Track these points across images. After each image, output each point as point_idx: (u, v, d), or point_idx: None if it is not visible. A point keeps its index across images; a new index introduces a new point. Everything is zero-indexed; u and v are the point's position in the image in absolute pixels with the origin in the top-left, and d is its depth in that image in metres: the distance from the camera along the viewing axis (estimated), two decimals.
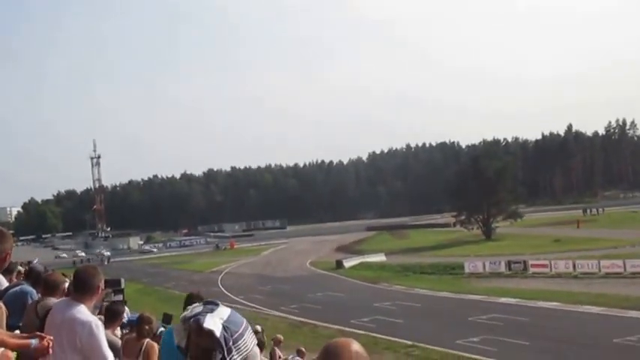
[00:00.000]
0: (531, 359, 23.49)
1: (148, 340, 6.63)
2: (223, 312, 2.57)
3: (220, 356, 2.46)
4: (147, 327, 6.78)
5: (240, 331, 2.54)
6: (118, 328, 7.65)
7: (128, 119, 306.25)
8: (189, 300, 5.45)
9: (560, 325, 29.82)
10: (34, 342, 3.92)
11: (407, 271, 58.98)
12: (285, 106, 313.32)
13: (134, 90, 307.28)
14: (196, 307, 2.58)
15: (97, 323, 4.41)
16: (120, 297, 8.36)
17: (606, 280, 42.19)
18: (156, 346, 6.50)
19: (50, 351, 3.95)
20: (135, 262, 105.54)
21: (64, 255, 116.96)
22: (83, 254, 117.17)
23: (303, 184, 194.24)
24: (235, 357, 2.50)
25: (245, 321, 2.61)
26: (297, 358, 15.16)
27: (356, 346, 2.24)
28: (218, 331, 2.47)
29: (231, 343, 2.49)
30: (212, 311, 2.54)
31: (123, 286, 8.57)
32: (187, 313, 2.56)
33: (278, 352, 17.85)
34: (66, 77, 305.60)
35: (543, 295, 38.31)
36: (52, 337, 3.99)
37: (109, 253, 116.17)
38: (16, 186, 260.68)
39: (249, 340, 2.58)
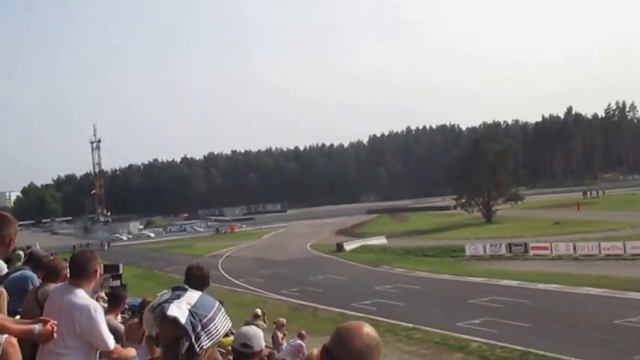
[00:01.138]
0: (532, 341, 23.37)
1: None
2: (191, 297, 2.56)
3: (187, 343, 2.45)
4: None
5: (210, 315, 2.53)
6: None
7: (129, 103, 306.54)
8: (189, 273, 5.45)
9: (561, 306, 29.89)
10: (37, 327, 3.90)
11: (408, 253, 59.02)
12: (286, 89, 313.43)
13: (136, 74, 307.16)
14: (164, 295, 2.58)
15: (95, 307, 4.38)
16: (118, 282, 8.35)
17: (606, 262, 42.27)
18: None
19: (55, 335, 3.93)
20: (135, 246, 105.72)
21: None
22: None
23: (304, 168, 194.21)
24: (204, 343, 2.49)
25: (217, 304, 2.61)
26: (298, 341, 15.15)
27: (368, 329, 2.24)
28: (183, 318, 2.46)
29: (199, 328, 2.48)
30: (179, 297, 2.54)
31: (121, 271, 8.57)
32: (155, 301, 2.57)
33: (280, 334, 17.89)
34: (67, 61, 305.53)
35: (544, 278, 38.38)
36: (55, 322, 3.97)
37: (129, 235, 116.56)
38: (15, 170, 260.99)
39: (221, 324, 2.57)
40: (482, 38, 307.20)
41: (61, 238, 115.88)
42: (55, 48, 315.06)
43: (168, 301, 2.53)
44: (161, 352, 2.61)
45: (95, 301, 4.55)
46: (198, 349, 2.48)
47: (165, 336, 2.51)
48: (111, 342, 4.42)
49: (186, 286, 2.67)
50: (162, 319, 2.49)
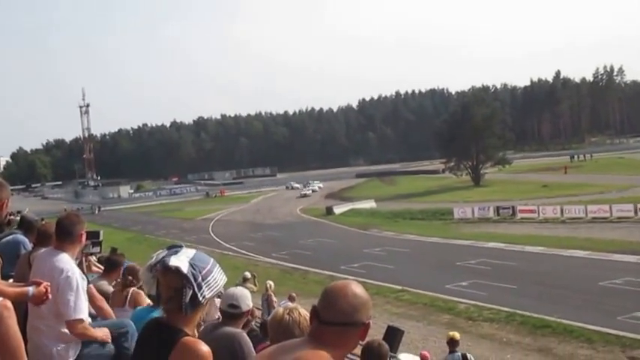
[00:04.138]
0: (518, 302, 23.67)
1: (133, 288, 6.63)
2: (188, 252, 2.64)
3: (191, 292, 2.53)
4: (130, 277, 6.72)
5: (208, 268, 2.62)
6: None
7: (118, 67, 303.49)
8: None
9: (547, 269, 30.14)
10: (31, 290, 3.93)
11: (396, 217, 59.37)
12: (275, 53, 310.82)
13: (124, 37, 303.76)
14: (160, 253, 2.64)
15: (73, 271, 4.38)
16: (98, 249, 8.38)
17: (593, 225, 42.59)
18: (142, 292, 6.41)
19: (49, 296, 3.97)
20: (125, 210, 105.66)
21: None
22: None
23: (294, 132, 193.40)
24: (206, 293, 2.58)
25: (212, 260, 2.68)
26: (289, 303, 15.34)
27: (354, 288, 2.28)
28: (185, 268, 2.54)
29: (200, 279, 2.56)
30: (176, 253, 2.61)
31: (101, 238, 8.56)
32: (152, 260, 2.62)
33: (273, 297, 18.09)
34: (56, 24, 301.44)
35: (531, 240, 38.66)
36: (48, 283, 3.99)
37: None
38: (4, 135, 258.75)
39: (219, 277, 2.65)
40: (473, 5, 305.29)
41: (51, 203, 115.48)
42: (45, 10, 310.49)
43: (167, 256, 2.61)
44: (163, 307, 2.66)
45: (76, 268, 4.53)
46: (201, 298, 2.55)
47: (168, 289, 2.57)
48: (79, 312, 4.34)
49: (181, 244, 2.74)
50: (164, 271, 2.56)
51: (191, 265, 2.57)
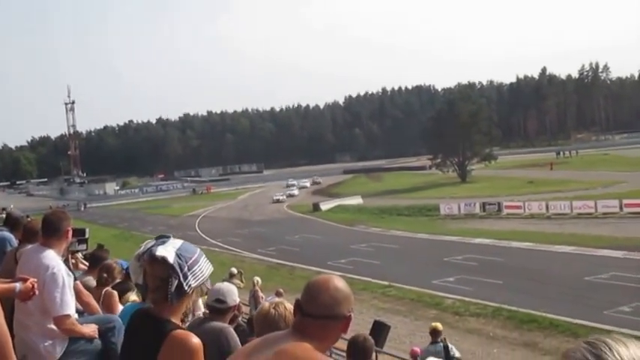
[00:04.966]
0: (505, 297, 23.83)
1: (107, 289, 6.45)
2: (175, 242, 2.69)
3: (177, 282, 2.58)
4: (105, 275, 6.60)
5: (194, 258, 2.67)
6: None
7: (103, 64, 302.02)
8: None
9: (533, 264, 30.30)
10: (18, 286, 3.93)
11: (383, 213, 59.43)
12: (263, 49, 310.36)
13: (110, 34, 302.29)
14: (148, 243, 2.69)
15: (59, 267, 4.40)
16: (84, 246, 8.33)
17: (578, 221, 42.81)
18: (115, 293, 6.36)
19: (36, 292, 3.97)
20: (111, 207, 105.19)
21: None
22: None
23: (280, 129, 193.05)
24: (192, 282, 2.63)
25: (199, 250, 2.74)
26: (276, 298, 15.35)
27: (336, 283, 2.35)
28: (171, 258, 2.59)
29: (186, 269, 2.61)
30: (164, 243, 2.67)
31: (87, 235, 8.53)
32: (140, 249, 2.67)
33: (260, 293, 18.10)
34: (42, 21, 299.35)
35: (517, 236, 38.80)
36: (35, 279, 3.99)
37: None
38: None
39: (205, 267, 2.71)
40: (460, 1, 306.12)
41: (36, 200, 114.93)
42: (30, 7, 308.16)
43: (154, 246, 2.65)
44: (150, 297, 2.70)
45: (62, 264, 4.54)
46: (186, 288, 2.60)
47: (154, 278, 2.61)
48: (65, 308, 4.37)
49: (169, 235, 2.76)
50: (151, 261, 2.60)
51: (177, 255, 2.61)
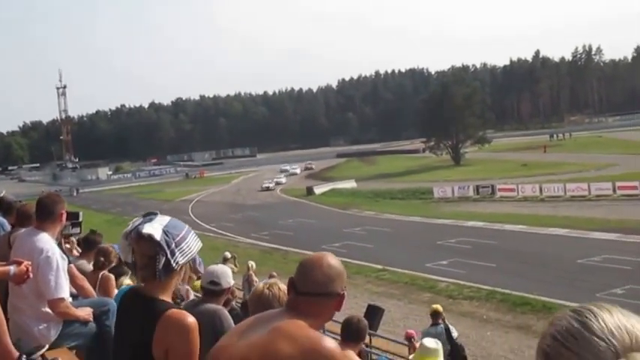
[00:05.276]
0: (498, 280, 23.90)
1: (104, 272, 6.48)
2: (163, 219, 2.71)
3: (164, 259, 2.59)
4: (102, 259, 6.57)
5: (182, 235, 2.68)
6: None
7: (95, 48, 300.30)
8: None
9: (527, 247, 30.37)
10: (12, 269, 3.91)
11: (377, 196, 59.58)
12: (254, 33, 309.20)
13: (101, 18, 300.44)
14: (136, 221, 2.71)
15: (53, 251, 4.40)
16: (77, 230, 8.27)
17: (571, 203, 42.96)
18: (112, 277, 6.41)
19: (30, 275, 3.96)
20: (104, 192, 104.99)
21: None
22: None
23: (273, 112, 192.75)
24: (179, 259, 2.64)
25: (187, 226, 2.75)
26: (270, 280, 15.28)
27: (329, 259, 2.37)
28: (158, 235, 2.59)
29: (173, 245, 2.61)
30: (151, 220, 2.68)
31: (81, 219, 8.51)
32: (127, 228, 2.68)
33: (254, 277, 18.04)
34: (34, 5, 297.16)
35: (510, 219, 38.88)
36: (29, 262, 3.98)
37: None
38: None
39: (193, 243, 2.72)
40: None
41: (28, 186, 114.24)
42: None
43: (141, 223, 2.66)
44: (139, 274, 2.72)
45: (56, 247, 4.53)
46: (174, 265, 2.61)
47: (142, 255, 2.62)
48: (60, 291, 4.38)
49: (157, 211, 2.78)
50: (138, 238, 2.61)
51: (164, 232, 2.62)
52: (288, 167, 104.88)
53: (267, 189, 78.46)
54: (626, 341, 1.07)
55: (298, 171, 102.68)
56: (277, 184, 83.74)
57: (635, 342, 1.07)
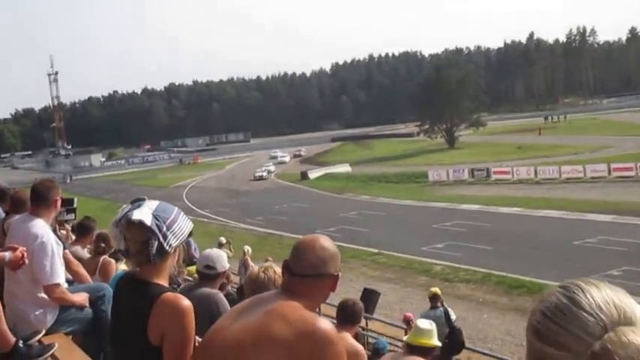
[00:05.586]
0: (494, 263, 24.02)
1: (104, 257, 6.62)
2: (151, 204, 2.72)
3: (157, 243, 2.60)
4: (102, 244, 6.66)
5: (172, 217, 2.69)
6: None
7: (87, 33, 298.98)
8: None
9: (522, 229, 30.48)
10: (7, 254, 3.96)
11: (372, 180, 59.79)
12: (246, 15, 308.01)
13: (93, 2, 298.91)
14: (125, 208, 2.72)
15: (48, 237, 4.42)
16: (72, 216, 8.24)
17: (567, 185, 43.14)
18: (113, 262, 6.54)
19: (26, 261, 4.01)
20: (97, 179, 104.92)
21: None
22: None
23: (267, 97, 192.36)
24: (172, 241, 2.66)
25: (176, 209, 2.77)
26: (265, 263, 15.23)
27: (322, 241, 2.41)
28: (148, 220, 2.61)
29: (164, 229, 2.63)
30: (139, 206, 2.68)
31: (75, 205, 8.49)
32: (117, 216, 2.69)
33: (250, 262, 17.99)
34: None
35: (505, 201, 39.07)
36: (24, 248, 4.04)
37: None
38: None
39: (185, 225, 2.74)
40: None
41: (21, 173, 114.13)
42: None
43: (130, 210, 2.66)
44: (133, 260, 2.75)
45: (51, 233, 4.56)
46: (167, 247, 2.63)
47: (135, 242, 2.63)
48: (55, 277, 4.42)
49: (144, 197, 2.79)
50: (129, 225, 2.61)
51: (154, 216, 2.62)
52: (278, 153, 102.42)
53: (261, 178, 73.39)
54: (614, 316, 1.09)
55: (287, 159, 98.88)
56: (269, 172, 78.45)
57: (622, 316, 1.09)
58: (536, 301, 1.18)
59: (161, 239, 2.60)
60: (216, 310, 4.31)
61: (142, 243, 2.61)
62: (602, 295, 1.11)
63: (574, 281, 1.16)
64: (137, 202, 2.72)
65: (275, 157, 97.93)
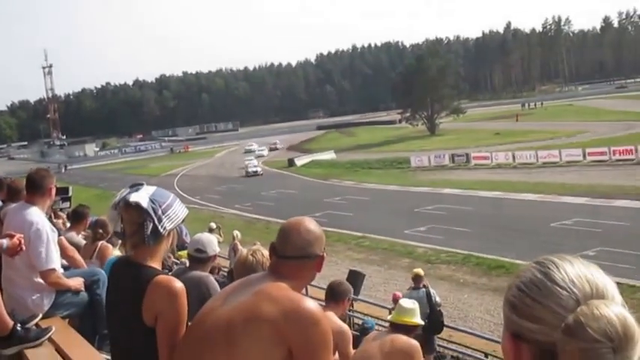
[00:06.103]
0: (474, 245, 24.61)
1: (102, 242, 6.72)
2: (149, 189, 2.78)
3: (152, 225, 2.65)
4: (100, 230, 6.74)
5: (168, 202, 2.74)
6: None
7: (80, 27, 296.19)
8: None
9: (501, 212, 31.18)
10: (4, 242, 3.99)
11: (356, 167, 60.35)
12: (235, 9, 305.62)
13: None
14: (123, 191, 2.77)
15: (43, 224, 4.52)
16: (67, 204, 8.80)
17: (543, 170, 43.95)
18: (110, 247, 6.65)
19: (23, 247, 4.07)
20: (91, 168, 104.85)
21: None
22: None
23: (254, 87, 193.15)
24: (167, 225, 2.70)
25: (172, 195, 2.83)
26: (253, 247, 15.93)
27: (307, 223, 2.48)
28: (145, 203, 2.67)
29: (160, 212, 2.68)
30: (137, 190, 2.74)
31: (70, 194, 9.05)
32: (115, 198, 2.76)
33: (240, 246, 18.67)
34: None
35: (485, 185, 39.67)
36: (21, 235, 4.10)
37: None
38: None
39: (179, 210, 2.79)
40: None
41: (17, 163, 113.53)
42: None
43: (128, 193, 2.74)
44: (128, 242, 2.78)
45: (46, 220, 4.66)
46: (162, 230, 2.68)
47: (132, 223, 2.69)
48: (50, 263, 4.49)
49: (143, 182, 2.87)
50: (126, 207, 2.69)
51: (151, 200, 2.68)
52: (254, 147, 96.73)
53: (255, 174, 65.48)
54: (586, 289, 1.12)
55: (265, 152, 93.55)
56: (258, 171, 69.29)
57: (595, 290, 1.12)
58: (513, 277, 1.23)
59: (156, 222, 2.65)
60: (207, 292, 4.39)
61: (137, 224, 2.66)
62: (575, 270, 1.16)
63: (548, 257, 1.21)
64: (135, 186, 2.77)
65: (252, 151, 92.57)
